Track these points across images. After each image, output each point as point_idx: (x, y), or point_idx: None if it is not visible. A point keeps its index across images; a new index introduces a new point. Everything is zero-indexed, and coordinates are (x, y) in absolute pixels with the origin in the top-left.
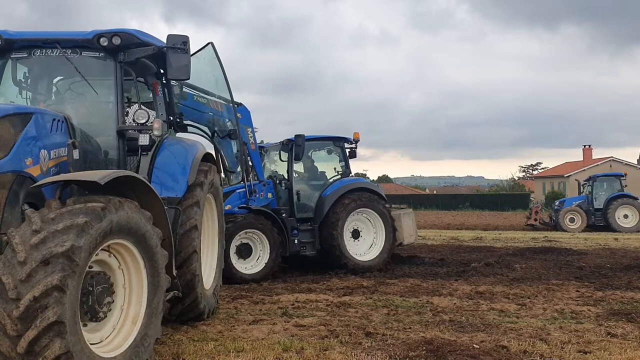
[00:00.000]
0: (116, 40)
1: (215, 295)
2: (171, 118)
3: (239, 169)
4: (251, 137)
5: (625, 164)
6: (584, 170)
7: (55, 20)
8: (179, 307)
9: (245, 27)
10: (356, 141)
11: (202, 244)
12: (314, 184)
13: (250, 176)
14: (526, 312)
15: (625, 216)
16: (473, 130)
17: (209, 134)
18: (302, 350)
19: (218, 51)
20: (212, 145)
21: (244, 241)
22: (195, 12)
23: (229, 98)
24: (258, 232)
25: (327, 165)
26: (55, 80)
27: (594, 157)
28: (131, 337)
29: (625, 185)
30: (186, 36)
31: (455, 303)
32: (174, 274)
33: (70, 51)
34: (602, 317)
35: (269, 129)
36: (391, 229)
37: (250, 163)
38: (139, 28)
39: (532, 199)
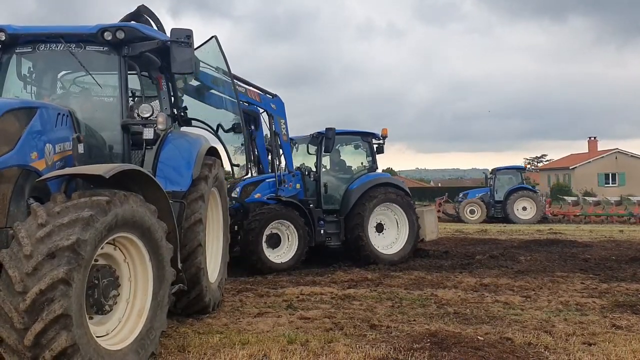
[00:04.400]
0: (120, 35)
1: (220, 288)
2: (175, 112)
3: (243, 162)
4: (284, 128)
5: (631, 155)
6: (589, 162)
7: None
8: (184, 300)
9: (251, 21)
10: (384, 137)
11: (206, 237)
12: (341, 177)
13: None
14: (531, 304)
15: (524, 208)
16: (478, 122)
17: (214, 128)
18: (307, 342)
19: (224, 45)
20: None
21: (274, 231)
22: (201, 5)
23: (234, 92)
24: (287, 222)
25: (355, 160)
26: (59, 75)
27: (599, 149)
28: (137, 330)
29: (527, 178)
30: (190, 30)
31: (459, 295)
32: (179, 267)
33: (74, 45)
34: (607, 309)
35: None
36: (414, 225)
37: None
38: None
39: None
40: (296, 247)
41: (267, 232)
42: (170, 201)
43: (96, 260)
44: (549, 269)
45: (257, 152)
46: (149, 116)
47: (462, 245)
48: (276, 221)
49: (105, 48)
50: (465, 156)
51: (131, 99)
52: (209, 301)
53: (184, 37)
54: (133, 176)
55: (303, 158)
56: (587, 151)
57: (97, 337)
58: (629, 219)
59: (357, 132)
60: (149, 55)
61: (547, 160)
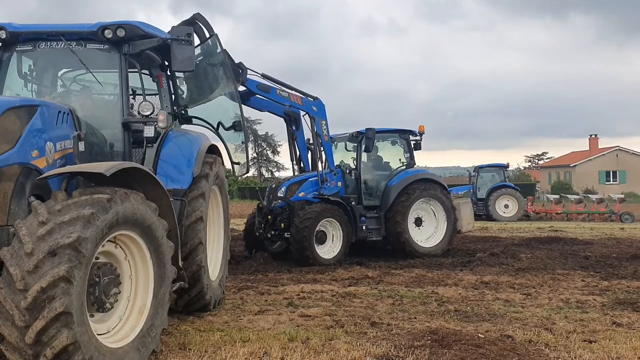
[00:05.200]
0: (120, 33)
1: (221, 286)
2: (176, 110)
3: (243, 160)
4: (325, 129)
5: (632, 153)
6: (590, 159)
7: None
8: (185, 298)
9: (253, 19)
10: (421, 134)
11: (207, 235)
12: (380, 174)
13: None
14: (531, 302)
15: (506, 206)
16: (480, 120)
17: (214, 126)
18: (308, 340)
19: (225, 42)
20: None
21: (320, 228)
22: (203, 3)
23: (235, 89)
24: (333, 219)
25: (393, 156)
26: (60, 73)
27: (600, 147)
28: (138, 327)
29: (508, 177)
30: (190, 28)
31: (460, 293)
32: (180, 265)
33: (74, 43)
34: (608, 306)
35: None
36: (452, 218)
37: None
38: (147, 20)
39: (538, 188)
40: (341, 242)
41: (317, 229)
42: (171, 199)
43: (97, 258)
44: (550, 266)
45: (299, 151)
46: (150, 114)
47: (463, 242)
48: (324, 219)
49: (106, 46)
50: (466, 154)
51: (131, 96)
52: (210, 299)
53: (185, 35)
54: (134, 174)
55: (342, 155)
56: (588, 149)
57: (98, 334)
58: (610, 217)
59: (395, 130)
60: (149, 53)
61: (548, 158)
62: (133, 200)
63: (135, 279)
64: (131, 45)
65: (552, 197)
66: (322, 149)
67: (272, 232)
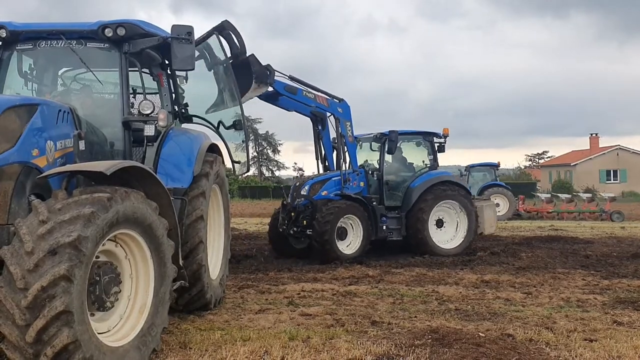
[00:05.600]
0: (121, 31)
1: (222, 285)
2: (176, 109)
3: (244, 159)
4: (349, 130)
5: (633, 152)
6: (591, 158)
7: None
8: (185, 297)
9: (253, 17)
10: (445, 136)
11: (208, 234)
12: (403, 175)
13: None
14: (532, 301)
15: (497, 205)
16: (480, 119)
17: (215, 125)
18: (308, 339)
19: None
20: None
21: (341, 224)
22: (203, 2)
23: (235, 88)
24: (354, 217)
25: (417, 158)
26: (60, 72)
27: (600, 146)
28: (138, 326)
29: (498, 176)
30: (191, 26)
31: (461, 292)
32: (181, 264)
33: (75, 42)
34: (608, 305)
35: (278, 119)
36: (473, 220)
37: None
38: (147, 19)
39: (539, 187)
40: (360, 239)
41: (337, 225)
42: (171, 198)
43: (97, 257)
44: (550, 265)
45: (324, 151)
46: (150, 113)
47: None
48: (345, 216)
49: (106, 45)
50: (467, 153)
51: (132, 95)
52: (210, 298)
53: (185, 34)
54: (134, 173)
55: (367, 155)
56: (589, 148)
57: (98, 333)
58: (600, 216)
59: (419, 132)
60: (149, 51)
61: (549, 157)
62: (133, 199)
63: (135, 277)
64: (131, 44)
65: (544, 196)
66: (346, 149)
67: (295, 229)
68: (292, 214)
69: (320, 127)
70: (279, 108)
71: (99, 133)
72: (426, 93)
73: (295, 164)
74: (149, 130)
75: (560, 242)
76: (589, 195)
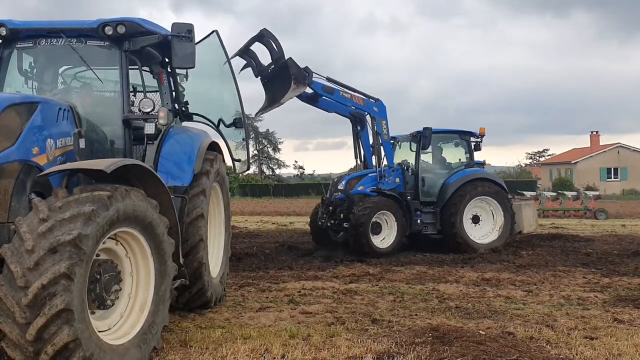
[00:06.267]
0: (121, 29)
1: (222, 283)
2: (177, 107)
3: (244, 157)
4: (385, 128)
5: (633, 150)
6: (591, 156)
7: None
8: (186, 295)
9: (254, 16)
10: (482, 135)
11: (208, 232)
12: (440, 172)
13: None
14: (532, 299)
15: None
16: (481, 117)
17: (215, 123)
18: (309, 337)
19: (226, 39)
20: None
21: (376, 220)
22: (204, 0)
23: (235, 86)
24: (388, 212)
25: (454, 156)
26: (60, 70)
27: (601, 144)
28: (139, 324)
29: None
30: (191, 24)
31: (461, 290)
32: (181, 262)
33: (75, 40)
34: (609, 303)
35: (279, 117)
36: (510, 217)
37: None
38: (148, 17)
39: (539, 185)
40: (395, 234)
41: (372, 221)
42: (171, 196)
43: (98, 255)
44: (551, 263)
45: (363, 149)
46: (150, 111)
47: None
48: (380, 212)
49: (106, 43)
50: None
51: (132, 93)
52: (211, 296)
53: (185, 32)
54: (134, 171)
55: (406, 155)
56: (589, 146)
57: (99, 331)
58: (585, 214)
59: (456, 131)
60: (150, 49)
61: (549, 155)
62: (134, 197)
63: (136, 276)
64: (132, 42)
65: (529, 193)
66: (382, 147)
67: (332, 222)
68: (330, 207)
69: (359, 127)
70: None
71: (99, 131)
72: (427, 91)
73: (296, 162)
74: (149, 129)
75: (560, 240)
76: (574, 193)
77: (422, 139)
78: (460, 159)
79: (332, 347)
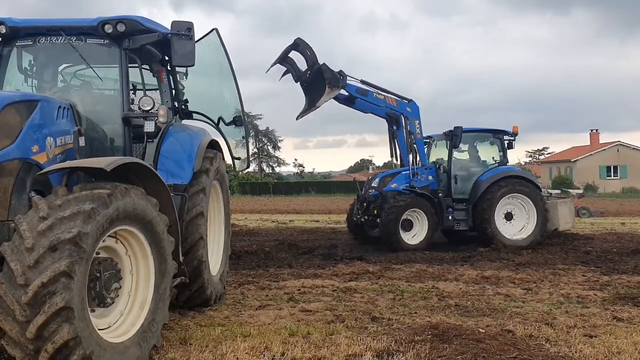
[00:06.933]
0: (121, 27)
1: (222, 281)
2: (176, 105)
3: (244, 155)
4: (418, 128)
5: (633, 148)
6: (591, 154)
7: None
8: (186, 293)
9: (254, 14)
10: (515, 134)
11: (208, 230)
12: (473, 170)
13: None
14: (532, 297)
15: None
16: (481, 115)
17: (215, 121)
18: (309, 335)
19: (227, 38)
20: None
21: (407, 217)
22: None
23: (235, 85)
24: (419, 210)
25: (487, 154)
26: (60, 68)
27: (601, 142)
28: (139, 322)
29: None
30: (190, 22)
31: (461, 288)
32: (181, 260)
33: (75, 38)
34: (608, 301)
35: (279, 115)
36: (542, 214)
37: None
38: (149, 15)
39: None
40: (426, 231)
41: (402, 218)
42: (171, 194)
43: (98, 253)
44: (550, 261)
45: (399, 148)
46: (150, 109)
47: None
48: (411, 209)
49: (106, 41)
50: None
51: (132, 92)
52: (211, 294)
53: (185, 30)
54: (134, 169)
55: (442, 153)
56: (589, 144)
57: (99, 329)
58: None
59: (489, 130)
60: (149, 48)
61: (549, 153)
62: (133, 195)
63: (136, 274)
64: (131, 40)
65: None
66: (415, 146)
67: (365, 217)
68: (364, 204)
69: (395, 127)
70: (354, 110)
71: (99, 129)
72: (427, 89)
73: (296, 160)
74: (149, 127)
75: (560, 238)
76: (558, 191)
77: (453, 137)
78: (493, 157)
79: (332, 345)
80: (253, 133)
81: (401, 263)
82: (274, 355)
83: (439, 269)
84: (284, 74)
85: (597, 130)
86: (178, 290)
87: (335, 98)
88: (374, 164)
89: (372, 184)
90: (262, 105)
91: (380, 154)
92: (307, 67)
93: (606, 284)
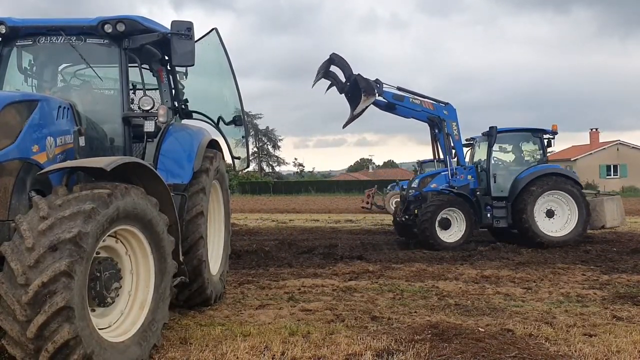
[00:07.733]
0: (120, 27)
1: (222, 280)
2: (176, 105)
3: (244, 155)
4: (455, 129)
5: (633, 147)
6: (591, 153)
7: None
8: (186, 293)
9: (254, 13)
10: (554, 133)
11: (208, 230)
12: (512, 169)
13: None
14: (532, 296)
15: None
16: (481, 114)
17: (215, 120)
18: (309, 334)
19: (227, 37)
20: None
21: (445, 216)
22: None
23: (235, 84)
24: (457, 209)
25: (527, 153)
26: (60, 68)
27: (601, 141)
28: (139, 322)
29: None
30: (190, 22)
31: (460, 287)
32: (181, 259)
33: (74, 38)
34: (608, 300)
35: (279, 114)
36: (584, 211)
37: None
38: (149, 14)
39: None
40: (464, 229)
41: (439, 217)
42: (171, 194)
43: (98, 253)
44: (550, 260)
45: (441, 150)
46: (150, 109)
47: None
48: (447, 208)
49: (106, 41)
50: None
51: (132, 91)
52: (211, 293)
53: (185, 30)
54: (134, 169)
55: (485, 153)
56: (589, 143)
57: (99, 329)
58: None
59: (529, 129)
60: (149, 47)
61: (549, 152)
62: (134, 195)
63: (136, 273)
64: (131, 39)
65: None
66: (453, 147)
67: (406, 217)
68: (405, 204)
69: (437, 130)
70: (390, 114)
71: (99, 129)
72: (427, 88)
73: (296, 159)
74: (149, 126)
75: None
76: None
77: (489, 137)
78: (534, 156)
79: (332, 345)
80: (253, 132)
81: (401, 262)
82: (274, 355)
83: (439, 268)
84: (329, 87)
85: (597, 129)
86: (178, 290)
87: (377, 105)
88: (374, 163)
89: (413, 185)
90: (265, 104)
91: (380, 153)
92: (345, 79)
93: (606, 283)
